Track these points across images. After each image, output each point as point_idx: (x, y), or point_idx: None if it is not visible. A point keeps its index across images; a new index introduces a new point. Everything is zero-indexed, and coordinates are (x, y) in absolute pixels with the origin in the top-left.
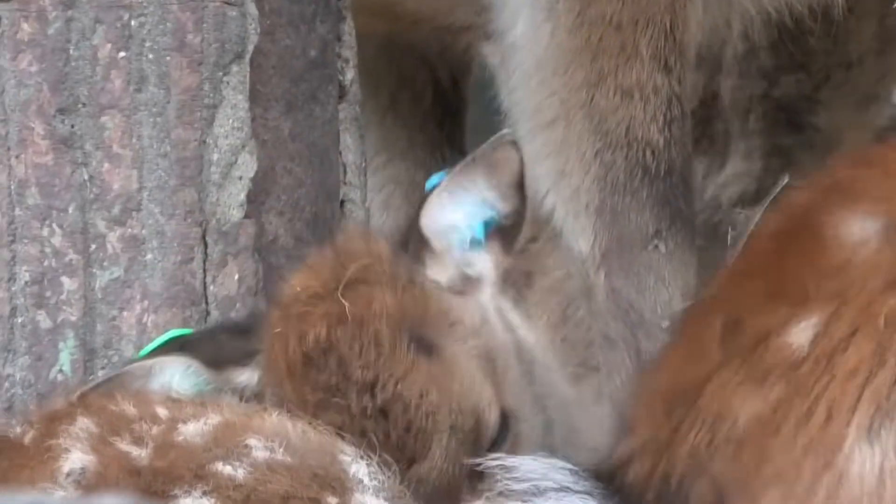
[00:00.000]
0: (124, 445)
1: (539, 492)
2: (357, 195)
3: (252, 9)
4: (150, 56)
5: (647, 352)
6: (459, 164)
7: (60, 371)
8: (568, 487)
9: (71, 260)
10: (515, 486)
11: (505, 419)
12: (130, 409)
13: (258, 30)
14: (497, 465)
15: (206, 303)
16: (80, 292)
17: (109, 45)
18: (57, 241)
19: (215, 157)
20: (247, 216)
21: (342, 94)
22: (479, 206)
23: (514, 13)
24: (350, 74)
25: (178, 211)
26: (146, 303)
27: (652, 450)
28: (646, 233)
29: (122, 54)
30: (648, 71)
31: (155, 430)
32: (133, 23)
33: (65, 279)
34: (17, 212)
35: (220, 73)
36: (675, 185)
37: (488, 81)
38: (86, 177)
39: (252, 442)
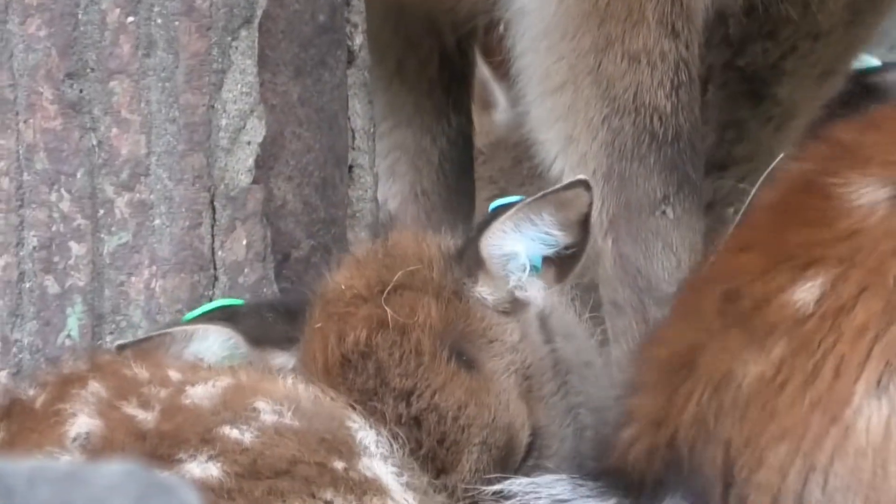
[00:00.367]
0: (130, 409)
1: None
2: (365, 160)
3: None
4: (159, 21)
5: (654, 317)
6: (530, 197)
7: (68, 336)
8: (562, 500)
9: (79, 225)
10: None
11: (534, 437)
12: (143, 374)
13: None
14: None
15: (215, 268)
16: (88, 257)
17: (118, 10)
18: (65, 206)
19: (224, 122)
20: (255, 181)
21: (351, 59)
22: (542, 240)
23: None
24: (359, 39)
25: (186, 176)
26: (154, 268)
27: (653, 421)
28: (653, 198)
29: (130, 19)
30: (655, 36)
31: (163, 393)
32: None
33: (73, 244)
34: (26, 177)
35: (229, 38)
36: (683, 151)
37: None
38: (94, 142)
39: (260, 405)
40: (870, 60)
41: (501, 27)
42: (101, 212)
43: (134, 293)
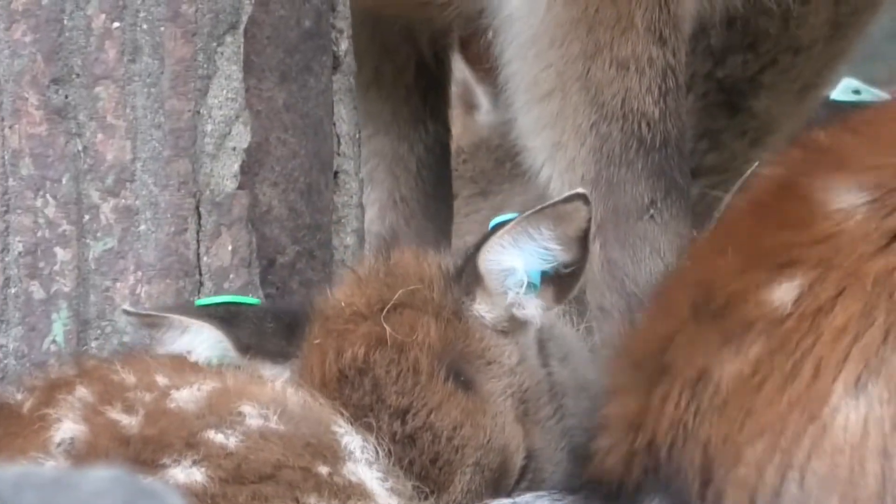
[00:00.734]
0: (115, 414)
1: None
2: (351, 166)
3: None
4: (145, 26)
5: None
6: (528, 211)
7: (54, 342)
8: None
9: (64, 230)
10: None
11: (528, 461)
12: (130, 378)
13: (252, 0)
14: None
15: (200, 274)
16: (73, 263)
17: (104, 16)
18: (50, 211)
19: (209, 127)
20: (240, 187)
21: (336, 64)
22: (540, 255)
23: None
24: (344, 45)
25: (171, 182)
26: (139, 273)
27: (630, 426)
28: (641, 204)
29: (116, 25)
30: (644, 43)
31: (148, 397)
32: None
33: (58, 250)
34: (11, 182)
35: (214, 44)
36: (670, 157)
37: None
38: (79, 147)
39: (246, 409)
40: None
41: (490, 34)
42: (87, 217)
43: (119, 299)
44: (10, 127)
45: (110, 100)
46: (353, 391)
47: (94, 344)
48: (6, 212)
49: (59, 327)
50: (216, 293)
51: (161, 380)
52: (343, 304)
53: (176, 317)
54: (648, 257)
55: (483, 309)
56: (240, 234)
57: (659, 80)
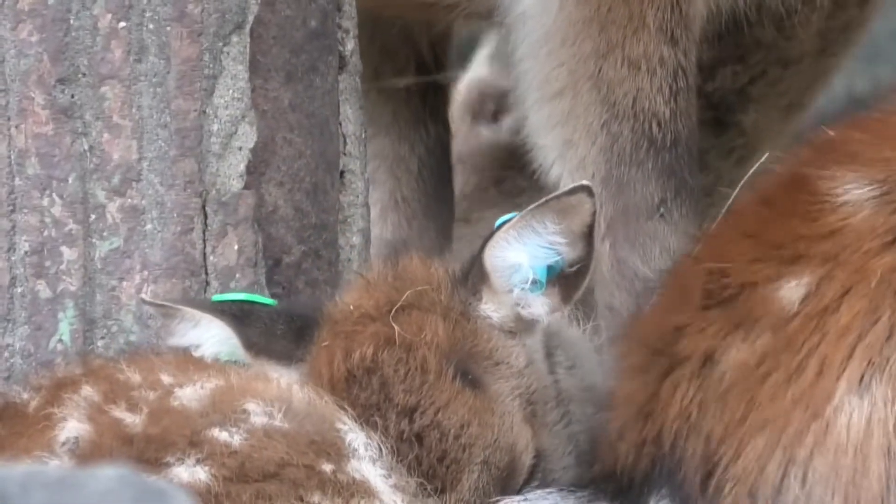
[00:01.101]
0: (119, 413)
1: None
2: (357, 166)
3: None
4: (151, 26)
5: None
6: (533, 204)
7: (60, 341)
8: None
9: (71, 230)
10: None
11: (537, 461)
12: (135, 377)
13: (258, 0)
14: None
15: (206, 273)
16: (79, 262)
17: (110, 15)
18: (57, 210)
19: (215, 127)
20: (246, 187)
21: (342, 64)
22: (545, 250)
23: None
24: (350, 45)
25: (177, 181)
26: (146, 273)
27: (640, 413)
28: (651, 203)
29: (122, 24)
30: (655, 43)
31: (152, 395)
32: None
33: (64, 249)
34: (17, 182)
35: (221, 44)
36: (681, 157)
37: None
38: (86, 147)
39: (251, 406)
40: None
41: (502, 32)
42: (93, 217)
43: (125, 298)
44: (17, 126)
45: (116, 99)
46: (362, 390)
47: (100, 343)
48: (12, 211)
49: (66, 326)
50: (223, 293)
51: (165, 378)
52: (351, 307)
53: (189, 309)
54: (658, 257)
55: (490, 308)
56: (246, 233)
57: (670, 80)
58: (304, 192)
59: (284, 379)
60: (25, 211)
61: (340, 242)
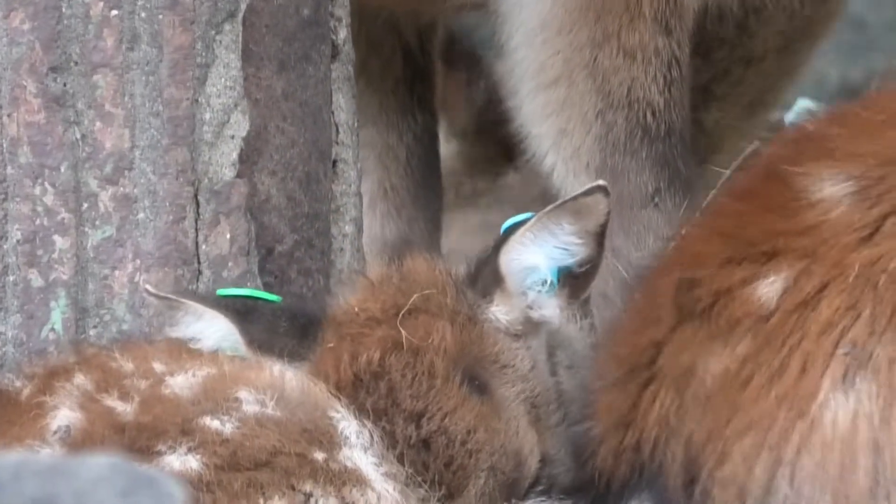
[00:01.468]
0: (111, 401)
1: None
2: (349, 155)
3: None
4: (143, 14)
5: None
6: (549, 206)
7: (52, 330)
8: None
9: (63, 219)
10: None
11: (542, 465)
12: (128, 366)
13: None
14: None
15: (198, 262)
16: (72, 251)
17: (102, 4)
18: (49, 199)
19: (207, 116)
20: (239, 175)
21: (335, 53)
22: (560, 251)
23: None
24: (343, 34)
25: (170, 170)
26: (138, 262)
27: (619, 423)
28: (645, 192)
29: (114, 13)
30: (651, 32)
31: (143, 384)
32: None
33: (57, 238)
34: (9, 170)
35: (213, 32)
36: (675, 146)
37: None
38: (78, 135)
39: (243, 395)
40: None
41: (496, 21)
42: (85, 205)
43: (118, 287)
44: (9, 115)
45: (109, 88)
46: (369, 395)
47: (92, 332)
48: (5, 200)
49: (58, 315)
50: (215, 282)
51: (157, 367)
52: (357, 309)
53: (193, 303)
54: (652, 245)
55: (500, 311)
56: (238, 222)
57: (664, 70)
58: (296, 181)
59: (276, 367)
60: (17, 200)
61: (333, 231)
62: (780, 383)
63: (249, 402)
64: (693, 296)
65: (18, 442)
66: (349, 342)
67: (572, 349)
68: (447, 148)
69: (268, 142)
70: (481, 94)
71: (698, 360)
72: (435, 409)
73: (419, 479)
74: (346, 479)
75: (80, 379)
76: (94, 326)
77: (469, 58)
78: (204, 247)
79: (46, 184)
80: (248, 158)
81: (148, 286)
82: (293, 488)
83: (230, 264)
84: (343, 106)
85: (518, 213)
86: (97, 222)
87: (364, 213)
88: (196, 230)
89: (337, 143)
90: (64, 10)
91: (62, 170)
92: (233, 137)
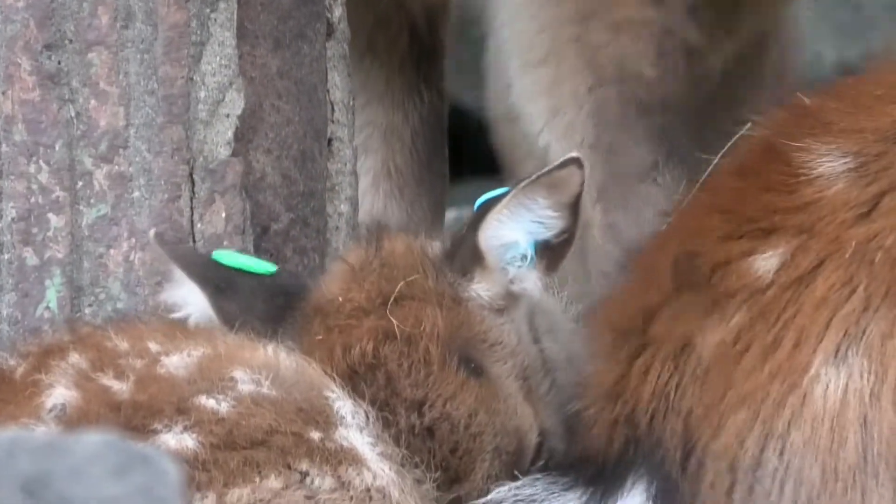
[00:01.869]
0: (106, 380)
1: None
2: (345, 133)
3: None
4: None
5: None
6: (523, 181)
7: (47, 308)
8: (535, 500)
9: (58, 197)
10: None
11: (542, 439)
12: (123, 345)
13: None
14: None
15: (194, 240)
16: (66, 229)
17: None
18: (44, 177)
19: (202, 94)
20: (234, 154)
21: (330, 31)
22: (537, 224)
23: None
24: (338, 12)
25: (165, 148)
26: (133, 240)
27: (611, 395)
28: (643, 167)
29: None
30: (639, 4)
31: (139, 363)
32: None
33: (51, 216)
34: (4, 148)
35: (208, 10)
36: (670, 119)
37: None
38: (72, 113)
39: (238, 374)
40: None
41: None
42: (80, 184)
43: (113, 265)
44: (3, 93)
45: (103, 66)
46: (367, 387)
47: (87, 310)
48: None
49: (53, 294)
50: None
51: (153, 346)
52: (341, 298)
53: (179, 273)
54: (652, 220)
55: (482, 288)
56: (233, 201)
57: (656, 42)
58: (291, 159)
59: (271, 346)
60: (12, 178)
61: (328, 210)
62: (774, 357)
63: (245, 382)
64: (692, 267)
65: (13, 420)
66: (338, 334)
67: (552, 318)
68: None
69: (263, 120)
70: None
71: (695, 332)
72: (435, 395)
73: (425, 466)
74: (342, 458)
75: (75, 358)
76: (90, 305)
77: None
78: (199, 225)
79: (41, 162)
80: (244, 137)
81: (158, 230)
82: (289, 467)
83: (225, 243)
84: (338, 84)
85: None
86: (92, 200)
87: (366, 192)
88: (191, 209)
89: (332, 122)
90: None
91: (57, 148)
92: (228, 116)
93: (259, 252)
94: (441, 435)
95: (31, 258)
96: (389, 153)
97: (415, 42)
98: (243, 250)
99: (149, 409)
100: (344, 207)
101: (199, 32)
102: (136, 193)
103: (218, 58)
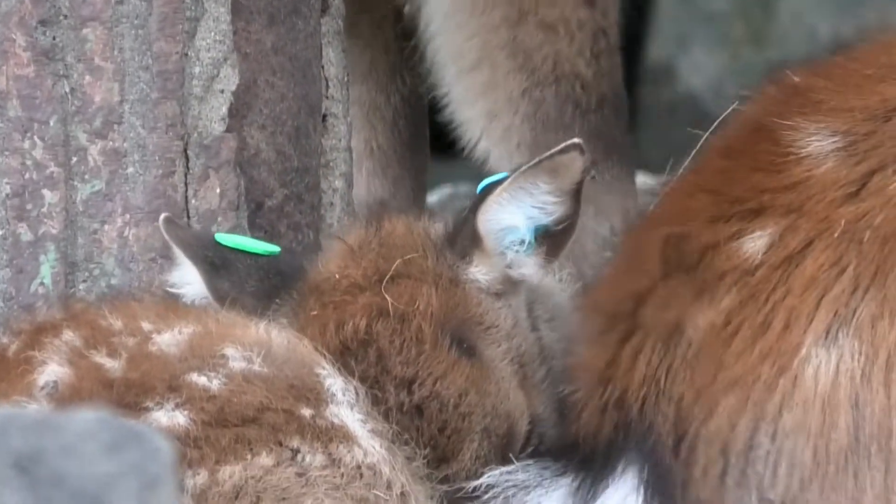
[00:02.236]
0: (99, 358)
1: (504, 498)
2: (339, 109)
3: None
4: None
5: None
6: (524, 165)
7: (41, 284)
8: (528, 486)
9: (52, 173)
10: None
11: (533, 425)
12: (116, 323)
13: None
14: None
15: (188, 216)
16: (61, 205)
17: None
18: (38, 153)
19: (197, 70)
20: (228, 130)
21: (325, 7)
22: (537, 210)
23: None
24: None
25: (159, 124)
26: (127, 216)
27: (600, 379)
28: None
29: None
30: (572, 6)
31: (131, 341)
32: None
33: (46, 192)
34: None
35: None
36: (608, 117)
37: None
38: (67, 89)
39: (229, 352)
40: None
41: (412, 8)
42: (75, 159)
43: (107, 241)
44: None
45: (98, 41)
46: (358, 363)
47: (81, 286)
48: None
49: (47, 269)
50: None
51: (145, 325)
52: (338, 276)
53: (179, 254)
54: (593, 218)
55: (480, 272)
56: (228, 176)
57: (590, 42)
58: (286, 135)
59: (263, 324)
60: (7, 153)
61: (323, 186)
62: (764, 339)
63: (236, 359)
64: (681, 250)
65: (5, 397)
66: (332, 310)
67: (552, 302)
68: None
69: (257, 96)
70: None
71: (685, 316)
72: (425, 374)
73: (413, 444)
74: (332, 435)
75: (68, 335)
76: (84, 281)
77: None
78: (193, 201)
79: (36, 137)
80: (238, 113)
81: (168, 214)
82: (280, 444)
83: (219, 219)
84: (333, 60)
85: None
86: (86, 176)
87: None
88: (185, 184)
89: (327, 98)
90: None
91: (51, 123)
92: (222, 91)
93: (253, 228)
94: (430, 413)
95: (25, 234)
96: (372, 133)
97: (399, 25)
98: (237, 226)
99: (140, 386)
100: (338, 183)
101: (193, 8)
102: (131, 169)
103: (212, 33)
